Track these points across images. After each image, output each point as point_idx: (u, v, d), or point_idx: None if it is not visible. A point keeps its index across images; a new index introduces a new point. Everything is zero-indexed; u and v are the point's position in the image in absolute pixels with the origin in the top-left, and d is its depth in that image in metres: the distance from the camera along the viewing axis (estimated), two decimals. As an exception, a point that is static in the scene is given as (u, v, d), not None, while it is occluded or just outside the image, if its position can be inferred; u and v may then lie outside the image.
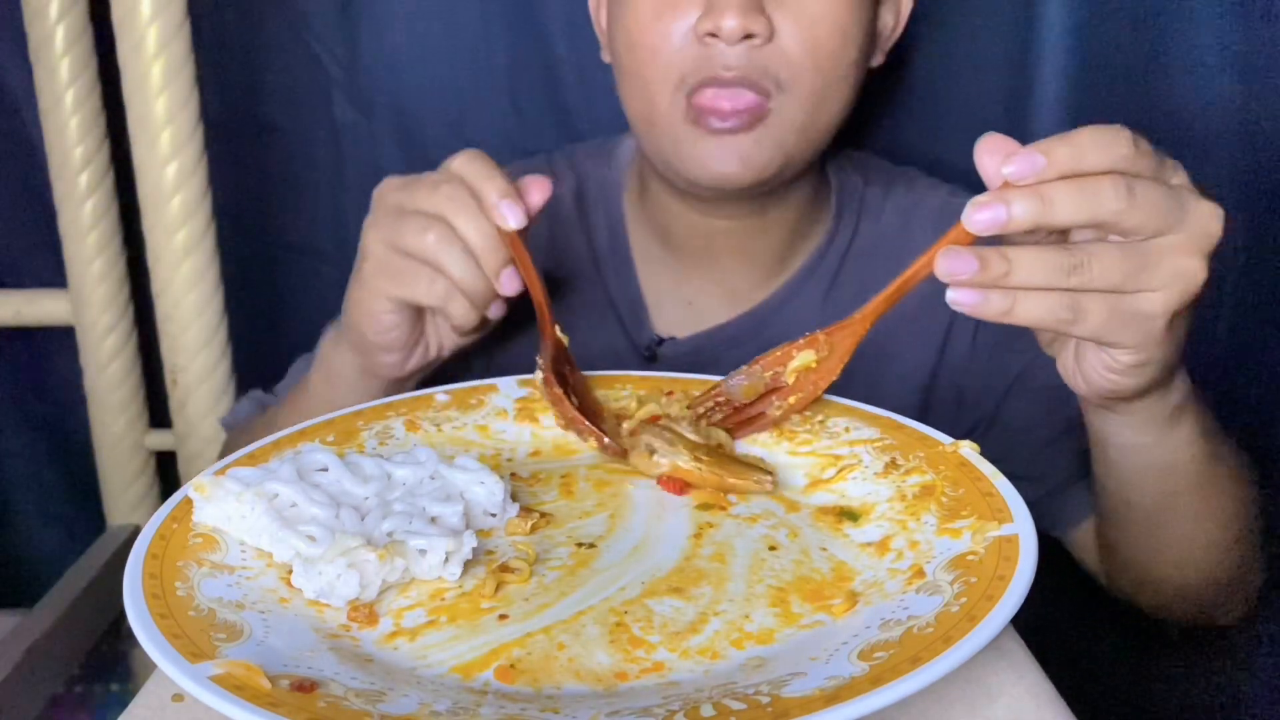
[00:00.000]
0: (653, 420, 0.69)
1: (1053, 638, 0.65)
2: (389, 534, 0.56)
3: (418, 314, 0.80)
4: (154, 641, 0.47)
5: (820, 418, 0.70)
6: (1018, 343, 0.92)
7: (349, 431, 0.69)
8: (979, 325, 0.95)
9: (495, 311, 0.78)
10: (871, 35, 0.91)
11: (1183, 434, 0.72)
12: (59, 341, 1.26)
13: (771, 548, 0.59)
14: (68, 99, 1.11)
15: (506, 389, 0.75)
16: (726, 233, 0.95)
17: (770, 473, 0.64)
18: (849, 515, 0.61)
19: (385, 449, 0.68)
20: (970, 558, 0.53)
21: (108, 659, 1.11)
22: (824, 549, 0.59)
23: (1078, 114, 1.07)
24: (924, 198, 0.99)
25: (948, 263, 0.57)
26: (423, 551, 0.55)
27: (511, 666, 0.49)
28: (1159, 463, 0.74)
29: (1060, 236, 0.61)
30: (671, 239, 0.99)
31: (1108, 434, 0.73)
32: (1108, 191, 0.57)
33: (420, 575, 0.56)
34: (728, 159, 0.86)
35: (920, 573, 0.53)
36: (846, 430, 0.68)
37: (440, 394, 0.74)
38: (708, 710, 0.44)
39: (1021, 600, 0.48)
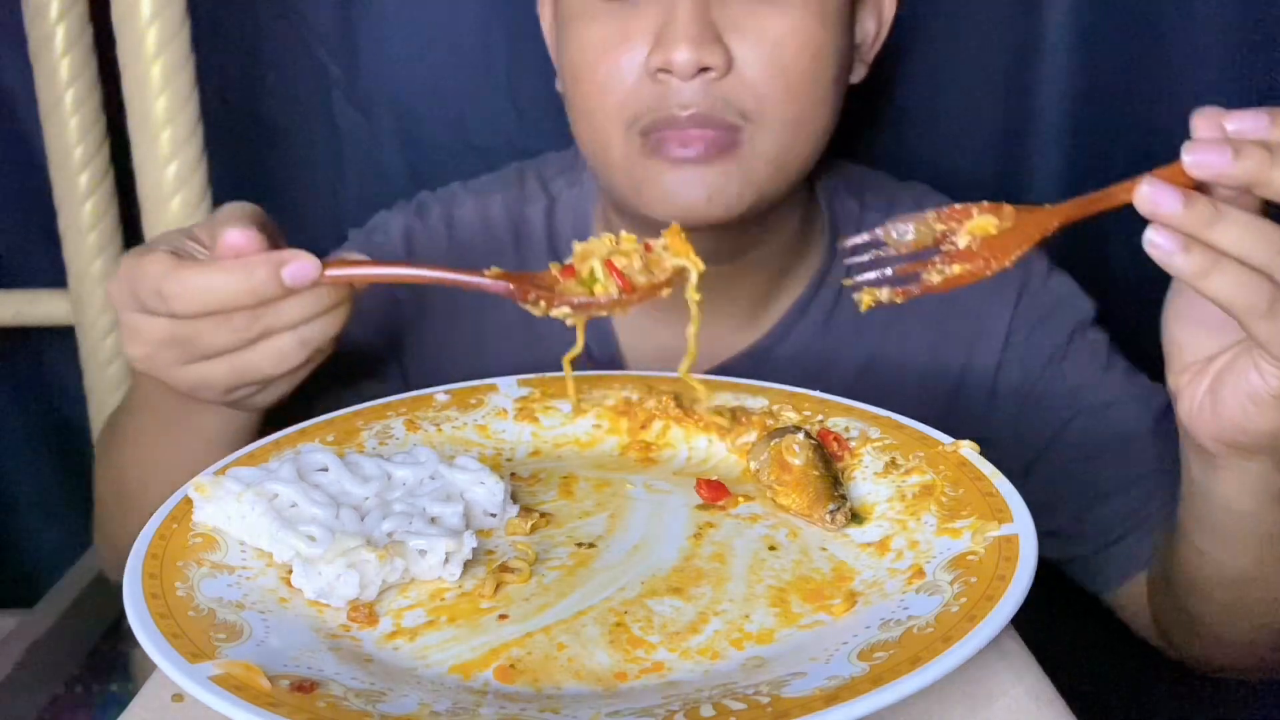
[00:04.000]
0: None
1: (1053, 638, 0.65)
2: (389, 534, 0.56)
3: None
4: (154, 641, 0.47)
5: (820, 418, 0.70)
6: (1046, 400, 0.88)
7: (349, 431, 0.69)
8: (994, 387, 0.89)
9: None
10: (848, 49, 0.83)
11: None
12: (59, 341, 1.25)
13: (771, 548, 0.59)
14: (68, 99, 1.11)
15: (506, 389, 0.75)
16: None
17: (840, 505, 0.61)
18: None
19: (385, 449, 0.68)
20: (970, 558, 0.53)
21: (108, 659, 1.11)
22: (824, 549, 0.59)
23: (1077, 124, 1.08)
24: None
25: (1152, 190, 0.52)
26: (423, 552, 0.55)
27: (511, 666, 0.49)
28: (1262, 531, 0.68)
29: None
30: None
31: (1213, 492, 0.67)
32: None
33: (420, 575, 0.56)
34: (693, 191, 0.78)
35: (920, 573, 0.53)
36: (846, 430, 0.68)
37: (440, 394, 0.74)
38: (708, 710, 0.44)
39: (1021, 600, 0.48)
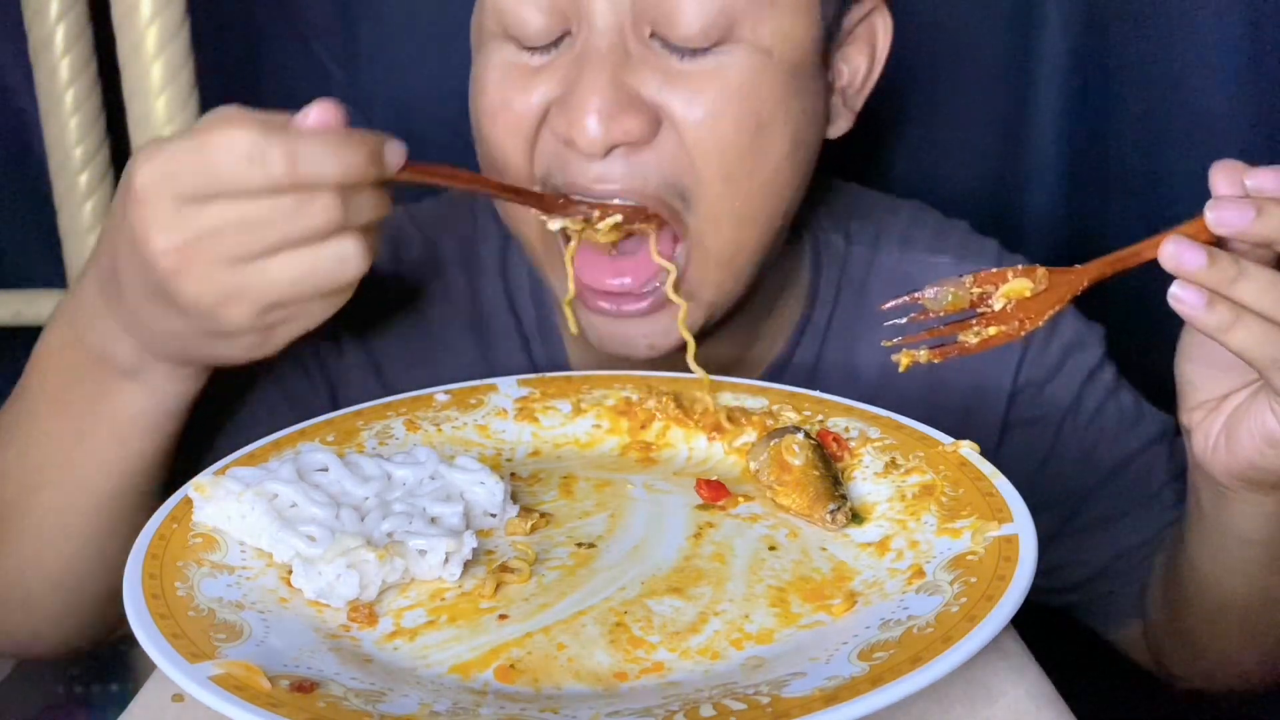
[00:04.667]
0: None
1: (1053, 638, 0.65)
2: (389, 534, 0.56)
3: None
4: (154, 641, 0.47)
5: (820, 418, 0.70)
6: (1066, 466, 0.85)
7: (349, 431, 0.69)
8: (999, 449, 0.86)
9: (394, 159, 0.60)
10: (815, 111, 0.73)
11: None
12: (59, 341, 1.25)
13: (771, 548, 0.59)
14: (68, 99, 1.11)
15: (506, 389, 0.75)
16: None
17: (840, 505, 0.60)
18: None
19: (385, 449, 0.68)
20: (970, 558, 0.53)
21: (108, 659, 1.11)
22: (824, 549, 0.59)
23: (1075, 131, 1.08)
24: (921, 269, 0.85)
25: (1175, 248, 0.54)
26: (422, 552, 0.55)
27: (511, 666, 0.49)
28: (1267, 558, 0.69)
29: None
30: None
31: (1223, 523, 0.68)
32: None
33: (420, 576, 0.56)
34: (629, 341, 0.71)
35: (920, 573, 0.54)
36: (846, 430, 0.68)
37: (440, 394, 0.74)
38: (708, 710, 0.44)
39: (1021, 600, 0.48)
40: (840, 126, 0.77)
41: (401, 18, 1.16)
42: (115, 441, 0.67)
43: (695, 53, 0.67)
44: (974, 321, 0.61)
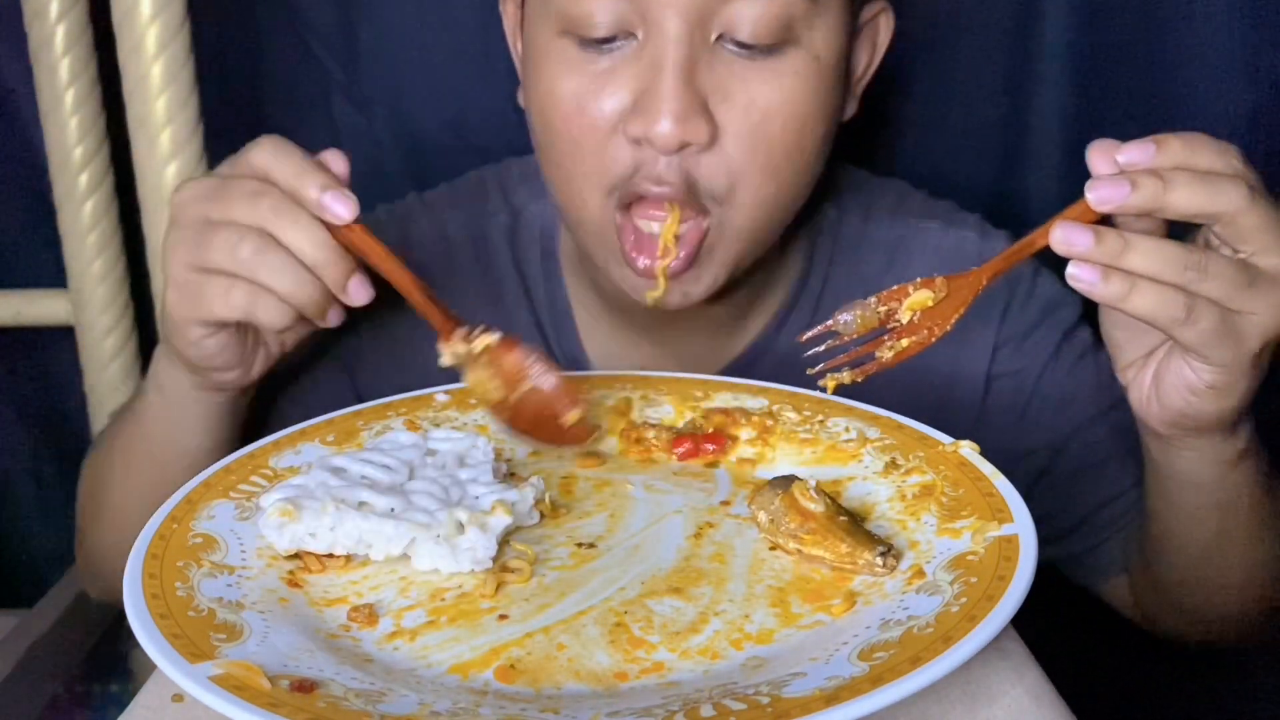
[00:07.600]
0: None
1: (1053, 638, 0.65)
2: (463, 496, 0.59)
3: (241, 326, 0.70)
4: (154, 641, 0.47)
5: (820, 418, 0.70)
6: (1043, 417, 0.88)
7: (349, 431, 0.69)
8: (984, 404, 0.89)
9: (334, 319, 0.69)
10: (840, 104, 0.79)
11: (1244, 475, 0.71)
12: (59, 341, 1.25)
13: (772, 547, 0.59)
14: (68, 99, 1.11)
15: (506, 389, 0.75)
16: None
17: (889, 546, 0.56)
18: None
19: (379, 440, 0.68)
20: (970, 558, 0.53)
21: (108, 659, 1.11)
22: (824, 549, 0.59)
23: (1077, 122, 1.08)
24: (912, 233, 0.90)
25: (1064, 233, 0.58)
26: (510, 503, 0.58)
27: (511, 666, 0.49)
28: (1219, 501, 0.72)
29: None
30: (614, 306, 0.88)
31: (1173, 469, 0.71)
32: (1228, 187, 0.57)
33: (520, 522, 0.59)
34: (666, 295, 0.76)
35: (920, 573, 0.54)
36: (846, 430, 0.68)
37: (440, 394, 0.74)
38: (708, 710, 0.44)
39: (1021, 600, 0.48)
40: (849, 111, 0.82)
41: (401, 18, 1.16)
42: (187, 434, 0.76)
43: (756, 55, 0.72)
44: (886, 337, 0.65)
